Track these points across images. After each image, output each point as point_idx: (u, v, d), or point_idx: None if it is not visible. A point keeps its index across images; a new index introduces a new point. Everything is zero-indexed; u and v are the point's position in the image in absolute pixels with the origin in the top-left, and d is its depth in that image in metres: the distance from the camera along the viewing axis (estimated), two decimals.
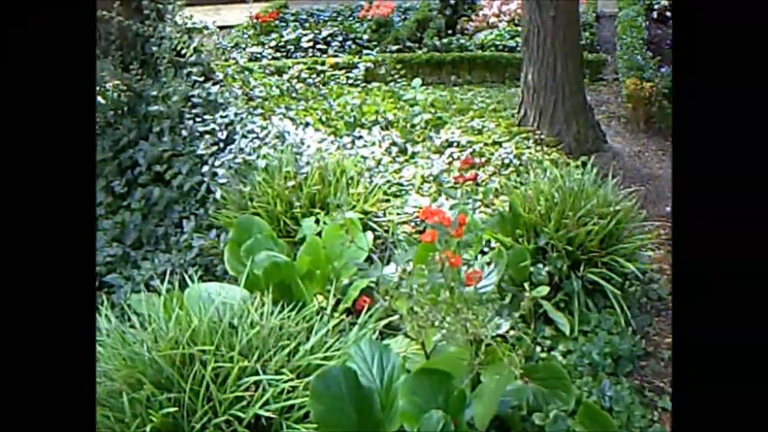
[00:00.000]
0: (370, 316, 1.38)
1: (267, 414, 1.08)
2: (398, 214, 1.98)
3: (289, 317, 1.30)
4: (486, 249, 1.72)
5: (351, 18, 4.42)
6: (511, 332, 1.19)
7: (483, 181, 2.07)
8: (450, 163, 2.39)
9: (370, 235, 1.67)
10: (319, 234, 1.73)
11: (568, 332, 1.48)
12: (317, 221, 1.84)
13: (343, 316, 1.39)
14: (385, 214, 1.95)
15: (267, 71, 3.31)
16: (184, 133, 2.09)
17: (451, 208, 1.50)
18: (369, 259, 1.56)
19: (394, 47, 3.86)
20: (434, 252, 1.17)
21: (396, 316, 1.32)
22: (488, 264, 1.37)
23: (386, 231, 1.89)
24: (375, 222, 1.92)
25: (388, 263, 1.53)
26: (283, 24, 4.36)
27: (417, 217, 1.97)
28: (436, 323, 1.11)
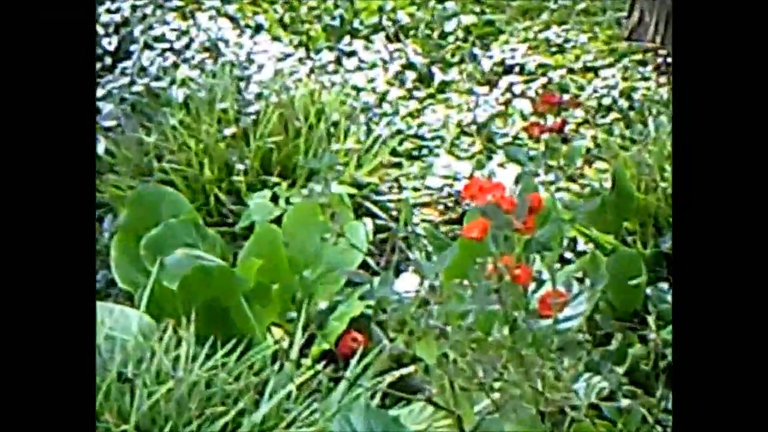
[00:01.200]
0: (366, 367, 1.34)
1: None
2: (416, 189, 1.91)
3: (224, 365, 1.29)
4: (569, 254, 1.65)
5: None
6: (622, 401, 1.19)
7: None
8: (507, 103, 2.31)
9: (368, 224, 1.65)
10: (278, 221, 1.69)
11: None
12: (275, 198, 1.78)
13: (319, 366, 1.35)
14: (396, 188, 1.88)
15: None
16: None
17: (517, 180, 1.38)
18: (364, 266, 1.50)
19: None
20: (484, 257, 1.11)
21: (412, 368, 1.30)
22: (578, 280, 1.33)
23: (395, 218, 1.84)
24: (376, 202, 1.85)
25: (397, 275, 1.48)
26: None
27: (451, 195, 1.90)
28: (486, 381, 1.06)
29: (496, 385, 1.09)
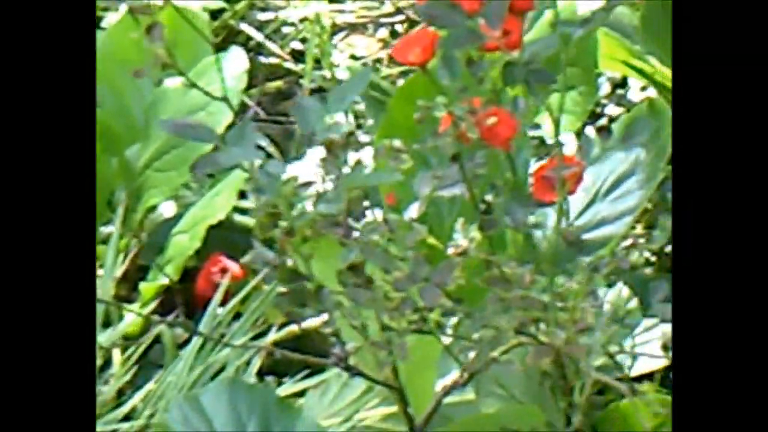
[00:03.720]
0: (237, 317, 1.35)
1: None
2: None
3: None
4: (615, 110, 1.68)
5: None
6: None
7: None
8: None
9: (240, 59, 1.56)
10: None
11: None
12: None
13: (156, 317, 1.36)
14: None
15: None
16: None
17: None
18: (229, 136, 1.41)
19: None
20: (430, 98, 1.08)
21: (320, 318, 1.27)
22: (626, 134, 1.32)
23: (297, 54, 1.85)
24: (262, 25, 1.85)
25: (299, 154, 1.48)
26: None
27: (400, 10, 1.91)
28: (429, 317, 1.06)
29: (470, 328, 1.07)
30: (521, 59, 1.09)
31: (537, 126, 1.19)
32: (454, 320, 1.10)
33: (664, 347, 1.14)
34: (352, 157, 1.15)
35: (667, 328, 1.24)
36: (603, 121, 1.72)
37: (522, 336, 1.05)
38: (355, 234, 1.08)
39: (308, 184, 1.05)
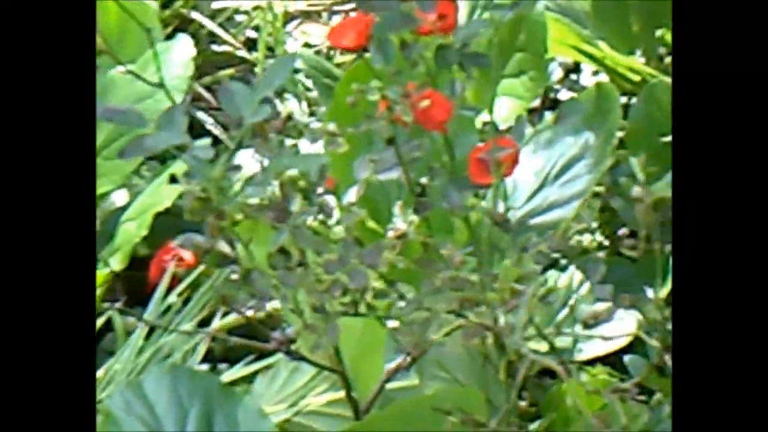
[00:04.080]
0: (187, 302, 1.34)
1: None
2: None
3: None
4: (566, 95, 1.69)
5: None
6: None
7: None
8: None
9: (186, 45, 1.53)
10: None
11: None
12: None
13: (104, 305, 1.37)
14: None
15: None
16: None
17: None
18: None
19: None
20: (365, 83, 1.09)
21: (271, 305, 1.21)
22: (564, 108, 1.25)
23: (250, 42, 1.85)
24: (211, 16, 1.82)
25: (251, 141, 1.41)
26: None
27: None
28: (358, 299, 1.06)
29: (408, 311, 1.08)
30: (455, 43, 1.12)
31: (477, 110, 1.19)
32: (386, 303, 1.13)
33: (584, 324, 1.10)
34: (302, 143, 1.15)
35: (590, 307, 1.24)
36: (536, 104, 1.71)
37: (461, 318, 1.06)
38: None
39: (238, 167, 1.05)
